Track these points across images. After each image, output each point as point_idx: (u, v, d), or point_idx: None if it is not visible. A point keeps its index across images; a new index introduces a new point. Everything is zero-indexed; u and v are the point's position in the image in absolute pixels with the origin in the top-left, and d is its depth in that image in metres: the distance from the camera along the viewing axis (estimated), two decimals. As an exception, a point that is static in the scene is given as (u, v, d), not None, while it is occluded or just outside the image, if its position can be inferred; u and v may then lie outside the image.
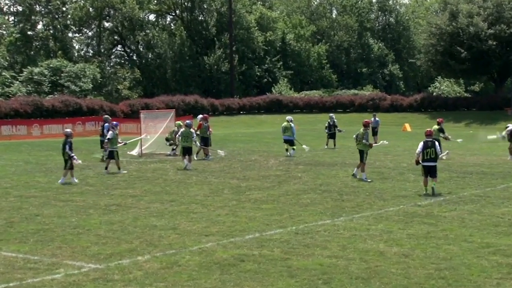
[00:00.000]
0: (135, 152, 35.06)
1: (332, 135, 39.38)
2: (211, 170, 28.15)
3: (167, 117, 36.44)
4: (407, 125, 64.17)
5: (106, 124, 32.77)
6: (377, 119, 45.24)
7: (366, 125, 25.42)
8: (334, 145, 39.00)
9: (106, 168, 27.39)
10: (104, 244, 14.41)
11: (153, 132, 36.09)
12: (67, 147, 24.54)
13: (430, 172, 21.46)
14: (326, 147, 38.90)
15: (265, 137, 50.43)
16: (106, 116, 35.07)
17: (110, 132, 28.10)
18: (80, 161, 25.24)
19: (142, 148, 34.89)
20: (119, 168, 27.36)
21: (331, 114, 41.35)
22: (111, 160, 27.52)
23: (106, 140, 28.21)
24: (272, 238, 14.90)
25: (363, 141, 24.93)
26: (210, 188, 22.90)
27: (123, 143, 30.16)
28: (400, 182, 24.18)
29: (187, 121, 31.04)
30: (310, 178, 25.35)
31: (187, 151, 29.20)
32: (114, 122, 29.93)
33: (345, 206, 19.13)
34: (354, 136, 25.67)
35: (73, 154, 24.41)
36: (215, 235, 15.28)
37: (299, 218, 17.28)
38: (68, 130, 26.60)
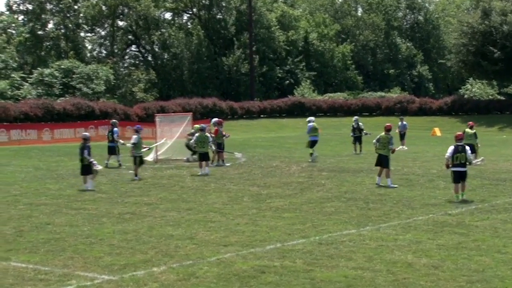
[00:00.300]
0: (150, 157, 35.11)
1: (357, 139, 39.23)
2: (230, 177, 28.17)
3: (184, 121, 36.50)
4: (436, 129, 63.95)
5: (116, 129, 32.84)
6: (404, 123, 45.10)
7: (389, 129, 25.36)
8: (360, 150, 38.89)
9: (136, 175, 27.48)
10: (118, 255, 14.47)
11: (169, 136, 36.18)
12: (85, 152, 24.50)
13: (460, 178, 21.42)
14: (354, 152, 38.75)
15: (286, 142, 50.44)
16: (114, 120, 35.12)
17: (135, 136, 28.06)
18: (100, 167, 25.23)
19: (158, 153, 34.93)
20: (136, 175, 27.42)
21: (355, 117, 41.15)
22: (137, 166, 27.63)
23: (131, 146, 28.06)
24: (294, 249, 14.89)
25: (389, 146, 24.90)
26: (229, 195, 22.92)
27: (147, 148, 30.20)
28: (430, 189, 24.08)
29: (202, 125, 31.02)
30: (334, 185, 25.32)
31: (203, 157, 29.26)
32: (138, 126, 29.86)
33: (371, 215, 19.09)
34: (375, 140, 25.64)
35: (92, 159, 24.45)
36: (234, 245, 15.30)
37: (322, 227, 17.27)
38: (87, 133, 26.73)
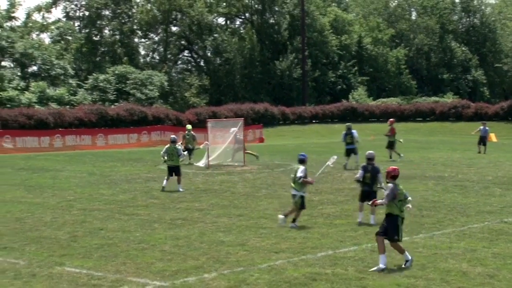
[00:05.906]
0: (202, 163, 35.30)
1: (482, 140, 37.39)
2: (281, 183, 28.14)
3: (236, 126, 36.64)
4: (492, 135, 62.78)
5: (354, 131, 33.09)
6: (486, 128, 44.83)
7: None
8: (484, 151, 35.98)
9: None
10: (170, 261, 14.57)
11: (221, 142, 36.31)
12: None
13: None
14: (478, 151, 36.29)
15: (338, 147, 50.14)
16: (348, 124, 35.30)
17: (302, 167, 19.90)
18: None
19: (209, 159, 35.06)
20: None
21: (484, 127, 35.80)
22: None
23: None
24: (346, 256, 14.84)
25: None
26: (280, 202, 22.93)
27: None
28: (485, 196, 23.77)
29: (172, 136, 28.12)
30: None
31: (173, 170, 26.75)
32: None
33: (425, 222, 18.93)
34: None
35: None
36: (285, 252, 15.30)
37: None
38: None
